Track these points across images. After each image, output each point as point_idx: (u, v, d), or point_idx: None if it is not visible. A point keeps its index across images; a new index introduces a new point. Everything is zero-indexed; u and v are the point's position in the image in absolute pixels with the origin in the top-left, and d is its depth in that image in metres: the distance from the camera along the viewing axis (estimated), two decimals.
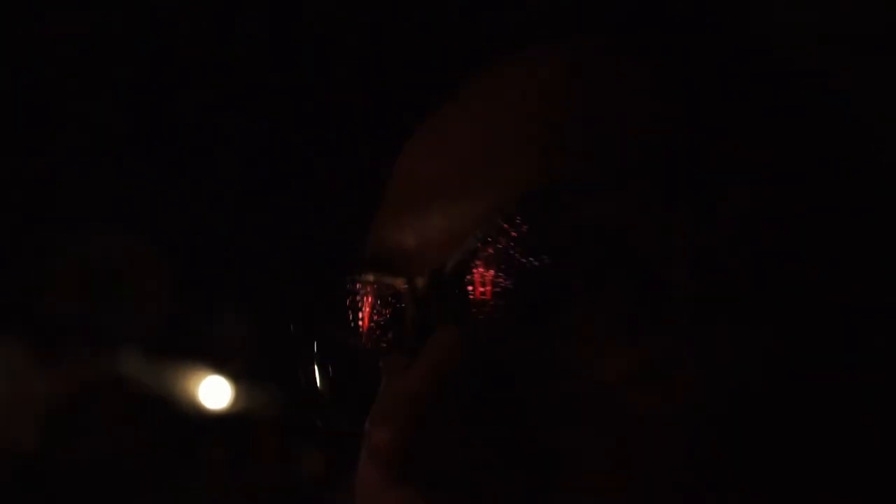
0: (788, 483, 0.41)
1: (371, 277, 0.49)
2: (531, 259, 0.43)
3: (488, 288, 0.43)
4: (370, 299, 0.50)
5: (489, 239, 0.43)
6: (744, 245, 0.43)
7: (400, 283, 0.46)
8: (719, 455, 0.40)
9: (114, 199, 3.36)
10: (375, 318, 0.50)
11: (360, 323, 0.51)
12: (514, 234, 0.43)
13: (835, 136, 0.50)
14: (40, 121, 3.04)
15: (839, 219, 0.46)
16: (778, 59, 0.53)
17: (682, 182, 0.42)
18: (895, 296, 0.45)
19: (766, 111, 0.48)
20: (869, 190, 0.49)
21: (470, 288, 0.43)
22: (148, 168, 3.23)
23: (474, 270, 0.43)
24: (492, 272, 0.43)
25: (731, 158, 0.45)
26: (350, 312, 0.51)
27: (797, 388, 0.42)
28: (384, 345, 0.50)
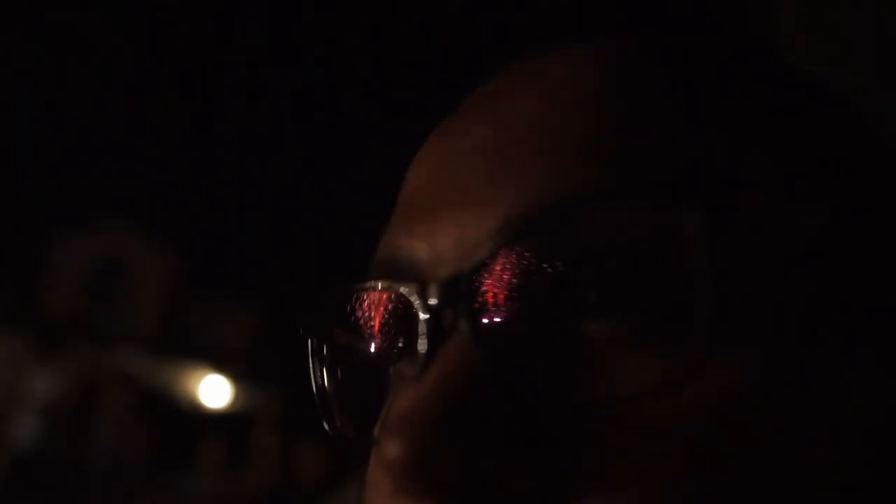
0: (804, 494, 0.41)
1: (383, 284, 0.48)
2: (546, 269, 0.42)
3: (501, 298, 0.43)
4: (382, 306, 0.49)
5: (503, 249, 0.42)
6: (764, 257, 0.43)
7: (412, 291, 0.45)
8: (737, 466, 0.40)
9: (117, 196, 3.37)
10: (386, 325, 0.49)
11: (371, 329, 0.50)
12: (529, 244, 0.42)
13: (850, 142, 0.50)
14: (43, 119, 3.04)
15: (858, 227, 0.46)
16: (789, 66, 0.52)
17: (702, 194, 0.42)
18: None
19: (782, 120, 0.48)
20: (887, 196, 0.48)
21: (483, 297, 0.43)
22: (153, 166, 3.24)
23: (487, 280, 0.43)
24: (505, 282, 0.43)
25: (750, 170, 0.45)
26: (361, 318, 0.51)
27: (817, 396, 0.42)
28: (394, 352, 0.50)
